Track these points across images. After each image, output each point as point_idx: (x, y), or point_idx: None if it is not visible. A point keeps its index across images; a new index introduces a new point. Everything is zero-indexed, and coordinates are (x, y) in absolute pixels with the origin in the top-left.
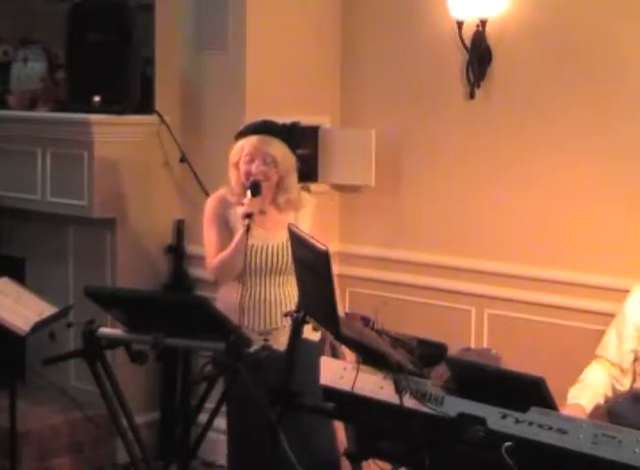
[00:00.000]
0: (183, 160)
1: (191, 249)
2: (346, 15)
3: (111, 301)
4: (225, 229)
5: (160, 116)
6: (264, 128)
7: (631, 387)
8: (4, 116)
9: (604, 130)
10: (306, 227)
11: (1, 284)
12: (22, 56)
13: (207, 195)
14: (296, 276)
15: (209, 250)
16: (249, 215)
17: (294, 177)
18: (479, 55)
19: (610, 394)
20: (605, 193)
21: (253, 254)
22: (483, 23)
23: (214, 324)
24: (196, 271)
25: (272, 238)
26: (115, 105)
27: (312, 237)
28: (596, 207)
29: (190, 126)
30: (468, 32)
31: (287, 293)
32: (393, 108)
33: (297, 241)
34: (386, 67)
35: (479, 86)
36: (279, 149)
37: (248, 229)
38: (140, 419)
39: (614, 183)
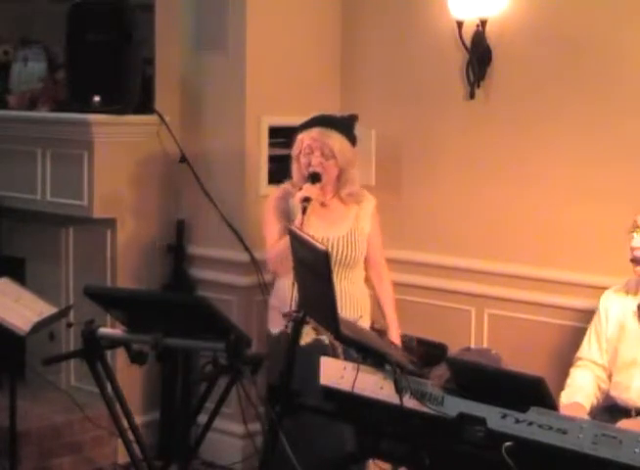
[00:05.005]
0: (183, 160)
1: (191, 249)
2: (346, 15)
3: (111, 301)
4: (285, 220)
5: (160, 115)
6: (323, 121)
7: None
8: (4, 116)
9: (605, 130)
10: (367, 223)
11: (1, 284)
12: (22, 56)
13: (208, 195)
14: (295, 276)
15: (268, 241)
16: (306, 199)
17: (354, 170)
18: (479, 55)
19: (598, 394)
20: (606, 192)
21: None
22: (483, 23)
23: (214, 324)
24: (196, 271)
25: (333, 231)
26: (115, 105)
27: (377, 236)
28: (598, 206)
29: (190, 126)
30: (468, 32)
31: (342, 288)
32: (393, 108)
33: (297, 241)
34: (386, 67)
35: (479, 86)
36: (337, 141)
37: (304, 211)
38: (140, 419)
39: (615, 183)
